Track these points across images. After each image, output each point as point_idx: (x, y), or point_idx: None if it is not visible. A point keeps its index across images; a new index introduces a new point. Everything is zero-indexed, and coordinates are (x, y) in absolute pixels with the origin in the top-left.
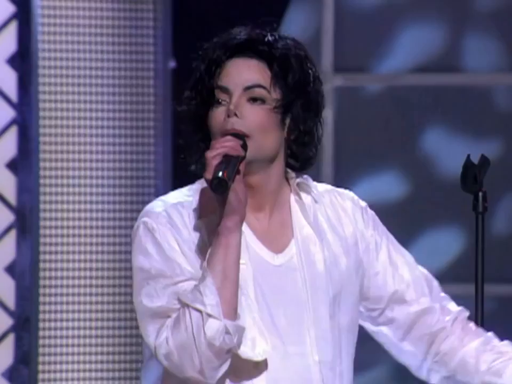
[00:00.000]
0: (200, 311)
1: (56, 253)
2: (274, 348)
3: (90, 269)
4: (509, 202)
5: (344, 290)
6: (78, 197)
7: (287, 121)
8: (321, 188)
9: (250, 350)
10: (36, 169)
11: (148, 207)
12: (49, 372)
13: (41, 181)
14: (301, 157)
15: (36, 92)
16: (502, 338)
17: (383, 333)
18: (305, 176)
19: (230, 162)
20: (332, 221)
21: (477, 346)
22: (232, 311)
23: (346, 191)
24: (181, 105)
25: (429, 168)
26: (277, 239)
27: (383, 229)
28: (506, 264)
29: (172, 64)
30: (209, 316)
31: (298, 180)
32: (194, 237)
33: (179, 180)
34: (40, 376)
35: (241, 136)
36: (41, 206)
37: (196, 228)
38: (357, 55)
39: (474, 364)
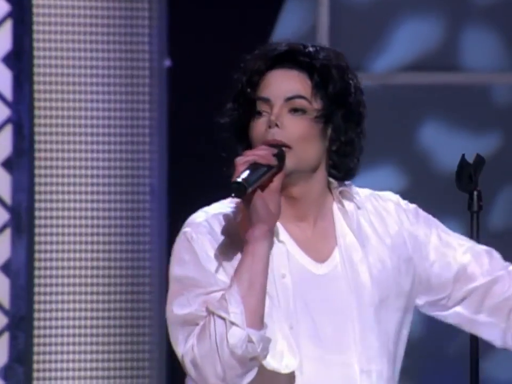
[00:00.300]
0: (224, 319)
1: (51, 251)
2: (317, 359)
3: (86, 268)
4: (506, 197)
5: (391, 294)
6: (73, 196)
7: (329, 131)
8: (363, 193)
9: (277, 362)
10: (31, 168)
11: (190, 217)
12: (44, 370)
13: (36, 179)
14: (342, 168)
15: (31, 90)
16: None
17: (457, 312)
18: (347, 182)
19: (257, 170)
20: (375, 226)
21: None
22: (257, 320)
23: (387, 193)
24: (223, 117)
25: (426, 164)
26: (320, 248)
27: (428, 218)
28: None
29: (167, 63)
30: (232, 323)
31: (340, 188)
32: (234, 247)
33: (174, 179)
34: (35, 375)
35: (279, 147)
36: (36, 205)
37: (236, 239)
38: (353, 53)
39: None
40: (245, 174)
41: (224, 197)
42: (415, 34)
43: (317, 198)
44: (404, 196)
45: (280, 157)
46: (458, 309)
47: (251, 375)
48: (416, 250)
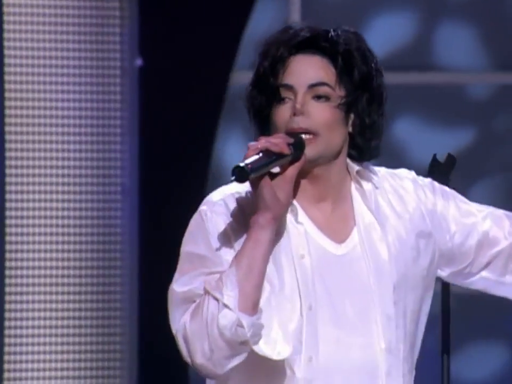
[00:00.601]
0: (217, 300)
1: (22, 251)
2: (336, 340)
3: (57, 268)
4: (479, 190)
5: (409, 272)
6: (44, 196)
7: (352, 115)
8: (380, 172)
9: (270, 348)
10: (2, 168)
11: (208, 196)
12: (15, 371)
13: (7, 179)
14: (366, 150)
15: (2, 90)
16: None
17: (483, 277)
18: (364, 163)
19: (266, 157)
20: (393, 204)
21: None
22: (250, 305)
23: (403, 170)
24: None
25: (399, 159)
26: (339, 229)
27: (445, 190)
28: None
29: (139, 62)
30: (225, 306)
31: (358, 168)
32: (248, 227)
33: (146, 178)
34: (6, 375)
35: (298, 136)
36: (7, 205)
37: (250, 218)
38: None
39: None
40: (251, 159)
41: (196, 196)
42: (389, 32)
43: (337, 180)
44: None
45: (298, 146)
46: (484, 274)
47: (239, 358)
48: (436, 224)
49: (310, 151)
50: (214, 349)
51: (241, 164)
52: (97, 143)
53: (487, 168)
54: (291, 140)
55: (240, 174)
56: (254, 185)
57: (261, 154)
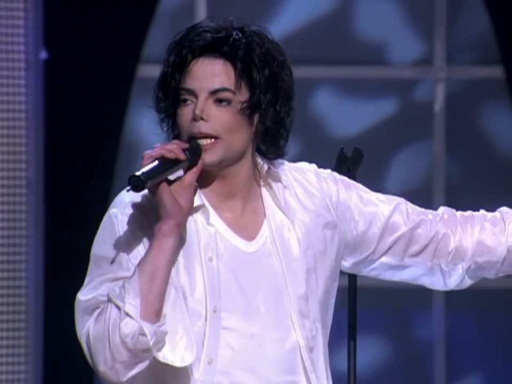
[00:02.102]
0: (119, 308)
1: None
2: (252, 336)
3: None
4: (402, 160)
5: (318, 264)
6: None
7: (256, 117)
8: (286, 167)
9: (172, 355)
10: None
11: (118, 196)
12: None
13: None
14: (271, 149)
15: None
16: None
17: (382, 263)
18: (270, 156)
19: (162, 164)
20: (300, 198)
21: (480, 227)
22: (153, 313)
23: (304, 163)
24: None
25: (319, 131)
26: (249, 227)
27: (346, 181)
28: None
29: (44, 55)
30: (127, 314)
31: (267, 169)
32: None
33: (51, 171)
34: None
35: (195, 142)
36: None
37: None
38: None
39: (490, 238)
40: (147, 168)
41: (103, 190)
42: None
43: (246, 179)
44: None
45: (194, 151)
46: (384, 259)
47: (141, 366)
48: (340, 214)
49: (210, 156)
50: (117, 357)
51: (137, 173)
52: (1, 136)
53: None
54: (186, 146)
55: (136, 184)
56: (154, 193)
57: (156, 162)
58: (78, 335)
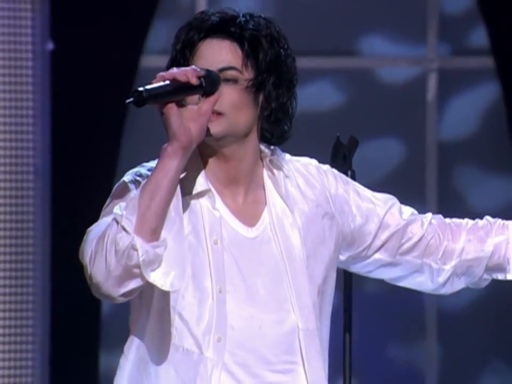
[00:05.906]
0: (118, 222)
1: None
2: (249, 318)
3: None
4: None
5: (317, 251)
6: None
7: (260, 98)
8: (287, 158)
9: (162, 278)
10: None
11: (129, 171)
12: None
13: None
14: (275, 133)
15: None
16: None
17: (375, 259)
18: (272, 147)
19: (171, 85)
20: (301, 188)
21: (468, 229)
22: (147, 231)
23: (306, 159)
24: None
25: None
26: (250, 213)
27: (343, 177)
28: None
29: (50, 46)
30: (123, 228)
31: (270, 157)
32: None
33: (58, 158)
34: None
35: (211, 71)
36: None
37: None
38: None
39: (478, 238)
40: (154, 85)
41: (108, 177)
42: None
43: (250, 164)
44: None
45: (211, 80)
46: (377, 255)
47: (134, 283)
48: (338, 207)
49: (215, 127)
50: (111, 270)
51: (140, 88)
52: (9, 124)
53: None
54: (202, 73)
55: (138, 98)
56: (161, 113)
57: (166, 82)
58: (83, 258)
